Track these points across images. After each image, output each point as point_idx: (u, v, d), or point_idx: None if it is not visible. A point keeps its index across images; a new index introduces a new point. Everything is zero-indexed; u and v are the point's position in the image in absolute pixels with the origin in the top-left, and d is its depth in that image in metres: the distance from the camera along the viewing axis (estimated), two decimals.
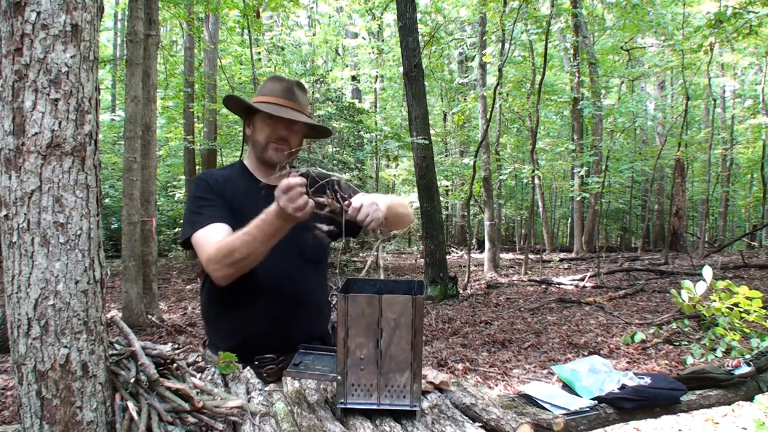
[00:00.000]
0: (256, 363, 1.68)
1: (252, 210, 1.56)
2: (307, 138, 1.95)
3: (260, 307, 1.73)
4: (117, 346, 1.16)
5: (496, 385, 4.34)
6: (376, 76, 17.61)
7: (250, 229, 1.51)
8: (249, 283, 1.68)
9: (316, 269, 1.86)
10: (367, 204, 1.52)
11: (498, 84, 10.26)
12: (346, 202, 1.48)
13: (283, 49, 15.26)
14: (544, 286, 9.50)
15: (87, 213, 1.05)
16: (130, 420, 1.07)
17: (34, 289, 1.01)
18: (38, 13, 0.98)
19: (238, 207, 1.71)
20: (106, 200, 14.16)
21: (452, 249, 17.60)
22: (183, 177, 15.39)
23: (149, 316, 6.39)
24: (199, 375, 1.42)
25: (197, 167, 15.02)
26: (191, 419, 1.12)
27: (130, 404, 1.08)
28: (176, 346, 1.30)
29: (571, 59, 14.71)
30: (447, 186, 17.85)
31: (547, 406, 1.48)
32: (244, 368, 1.52)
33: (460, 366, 4.84)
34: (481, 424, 1.28)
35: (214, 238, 1.59)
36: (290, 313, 1.75)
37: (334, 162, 12.35)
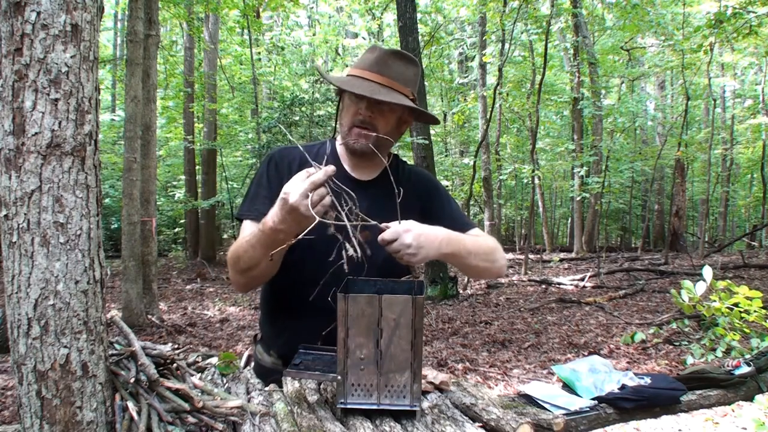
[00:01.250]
0: None
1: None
2: (417, 121, 1.62)
3: (314, 322, 1.43)
4: (117, 346, 1.16)
5: (496, 385, 4.34)
6: None
7: (252, 234, 1.32)
8: (305, 293, 1.46)
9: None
10: (401, 243, 1.25)
11: (498, 84, 10.27)
12: (383, 224, 1.27)
13: (283, 49, 15.28)
14: (544, 286, 9.50)
15: (87, 213, 1.05)
16: (130, 420, 1.07)
17: (34, 289, 1.01)
18: (38, 13, 0.98)
19: None
20: (106, 200, 14.17)
21: None
22: (183, 177, 15.39)
23: (149, 316, 6.39)
24: (199, 375, 1.42)
25: (197, 167, 15.03)
26: (191, 419, 1.12)
27: (130, 404, 1.08)
28: (176, 346, 1.30)
29: (571, 59, 14.71)
30: (447, 186, 17.86)
31: (547, 406, 1.48)
32: (244, 368, 1.52)
33: (460, 366, 4.84)
34: (481, 424, 1.28)
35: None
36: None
37: None
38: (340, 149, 1.58)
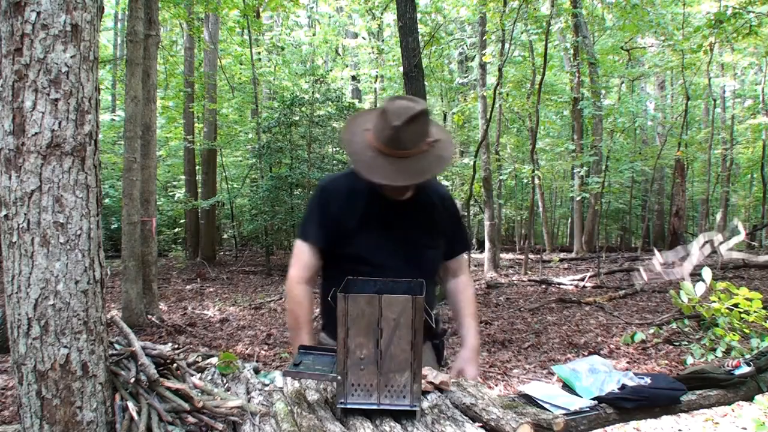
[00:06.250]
0: None
1: (374, 224, 1.68)
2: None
3: None
4: (117, 346, 1.16)
5: (496, 385, 4.34)
6: (376, 76, 17.61)
7: (292, 335, 1.76)
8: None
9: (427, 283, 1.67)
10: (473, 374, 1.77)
11: (498, 84, 10.25)
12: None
13: (283, 49, 15.29)
14: (544, 286, 9.50)
15: (87, 213, 1.05)
16: (130, 420, 1.07)
17: (34, 289, 1.01)
18: (38, 13, 0.98)
19: (359, 223, 1.69)
20: (106, 200, 14.15)
21: None
22: (183, 177, 15.39)
23: (149, 316, 6.39)
24: (199, 375, 1.42)
25: (197, 167, 15.03)
26: (191, 419, 1.12)
27: (130, 404, 1.08)
28: (176, 346, 1.30)
29: (571, 59, 14.70)
30: (447, 186, 17.83)
31: (547, 406, 1.48)
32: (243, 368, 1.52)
33: None
34: (481, 424, 1.28)
35: (300, 260, 1.75)
36: None
37: (334, 162, 12.36)
38: None
